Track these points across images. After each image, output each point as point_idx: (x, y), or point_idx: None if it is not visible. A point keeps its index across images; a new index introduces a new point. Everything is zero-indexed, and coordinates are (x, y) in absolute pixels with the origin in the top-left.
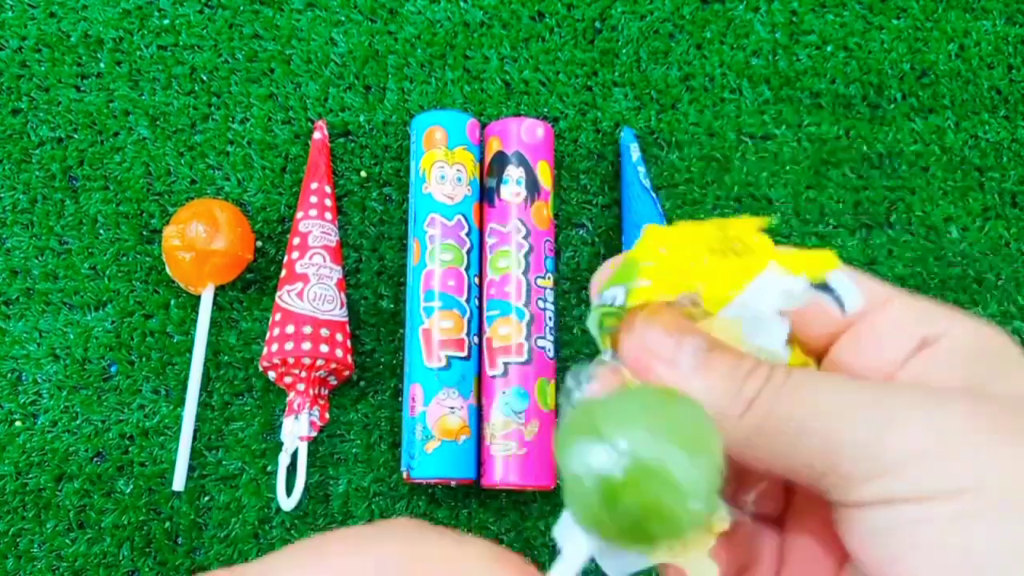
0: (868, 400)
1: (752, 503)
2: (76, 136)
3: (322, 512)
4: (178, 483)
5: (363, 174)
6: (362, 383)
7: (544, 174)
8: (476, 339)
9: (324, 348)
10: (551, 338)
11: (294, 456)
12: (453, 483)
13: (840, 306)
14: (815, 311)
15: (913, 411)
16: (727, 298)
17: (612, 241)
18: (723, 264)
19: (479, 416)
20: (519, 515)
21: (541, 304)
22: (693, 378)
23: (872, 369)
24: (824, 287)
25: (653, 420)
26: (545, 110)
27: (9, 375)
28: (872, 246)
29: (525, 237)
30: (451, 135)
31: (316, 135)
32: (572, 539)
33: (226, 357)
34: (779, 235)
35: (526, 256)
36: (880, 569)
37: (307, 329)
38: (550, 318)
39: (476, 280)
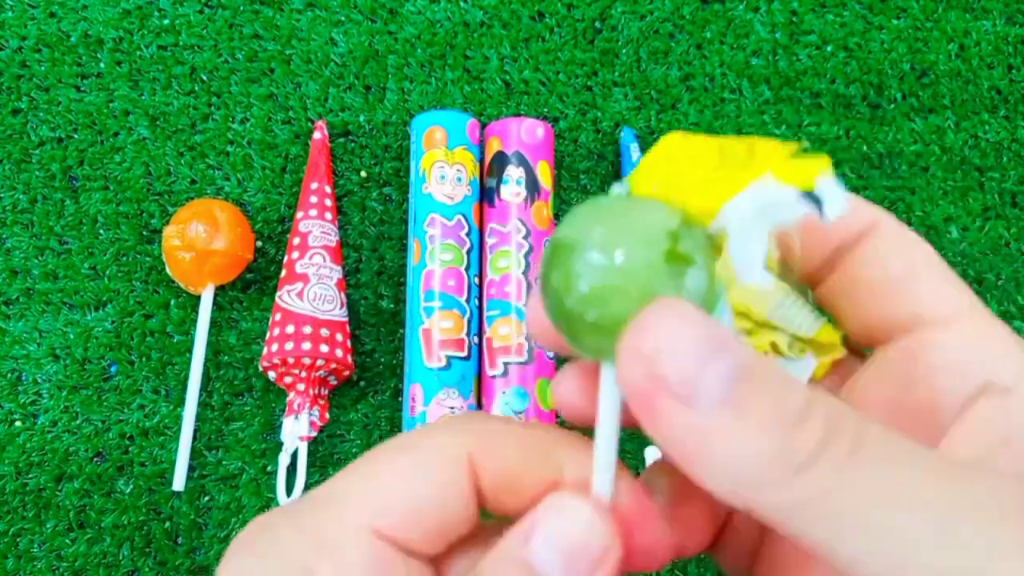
0: (962, 513)
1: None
2: (76, 136)
3: None
4: (178, 483)
5: (363, 174)
6: (362, 383)
7: (544, 174)
8: (476, 339)
9: (324, 348)
10: None
11: (294, 456)
12: None
13: (821, 213)
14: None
15: (1005, 558)
16: (715, 210)
17: None
18: (716, 176)
19: None
20: None
21: None
22: (717, 426)
23: (925, 406)
24: (813, 197)
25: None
26: (545, 110)
27: (9, 375)
28: None
29: (525, 237)
30: (451, 135)
31: (316, 135)
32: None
33: (226, 357)
34: None
35: (526, 256)
36: None
37: (307, 329)
38: None
39: (476, 280)
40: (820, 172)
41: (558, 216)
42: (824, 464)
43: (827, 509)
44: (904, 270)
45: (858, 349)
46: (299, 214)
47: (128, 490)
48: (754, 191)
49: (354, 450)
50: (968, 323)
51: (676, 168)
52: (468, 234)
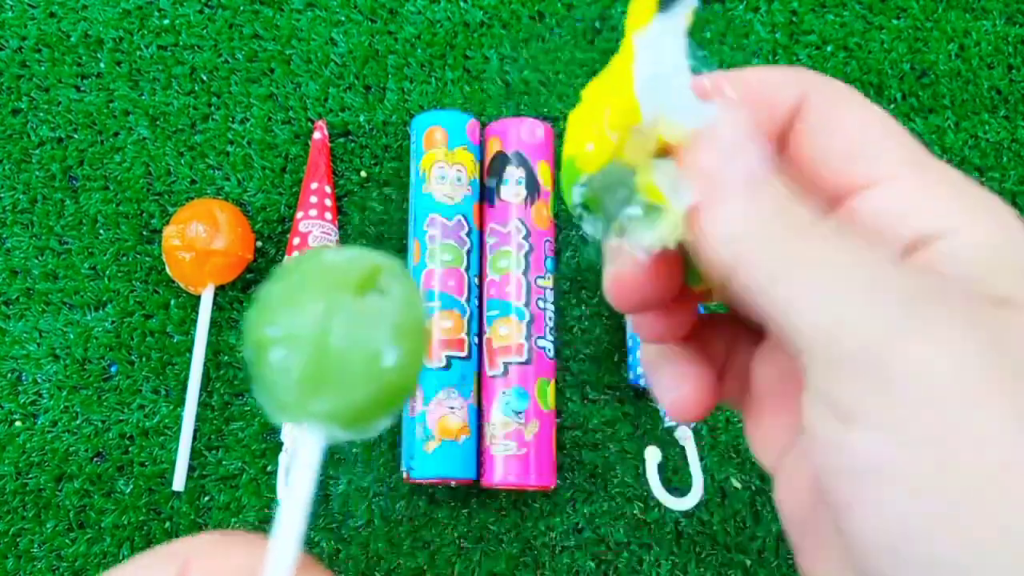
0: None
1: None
2: (76, 136)
3: (322, 512)
4: (178, 483)
5: (363, 174)
6: None
7: (544, 174)
8: (476, 339)
9: None
10: (551, 338)
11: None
12: (453, 483)
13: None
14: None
15: (910, 334)
16: (631, 100)
17: None
18: (613, 75)
19: (479, 416)
20: (519, 515)
21: (541, 304)
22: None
23: None
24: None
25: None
26: (545, 110)
27: (9, 375)
28: None
29: (525, 237)
30: (451, 135)
31: (316, 135)
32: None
33: (226, 357)
34: None
35: (526, 256)
36: (831, 483)
37: None
38: (550, 318)
39: (476, 280)
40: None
41: (558, 216)
42: (806, 240)
43: (775, 260)
44: (843, 134)
45: None
46: (299, 214)
47: (128, 490)
48: (636, 53)
49: (354, 450)
50: (908, 180)
51: (591, 132)
52: (468, 234)
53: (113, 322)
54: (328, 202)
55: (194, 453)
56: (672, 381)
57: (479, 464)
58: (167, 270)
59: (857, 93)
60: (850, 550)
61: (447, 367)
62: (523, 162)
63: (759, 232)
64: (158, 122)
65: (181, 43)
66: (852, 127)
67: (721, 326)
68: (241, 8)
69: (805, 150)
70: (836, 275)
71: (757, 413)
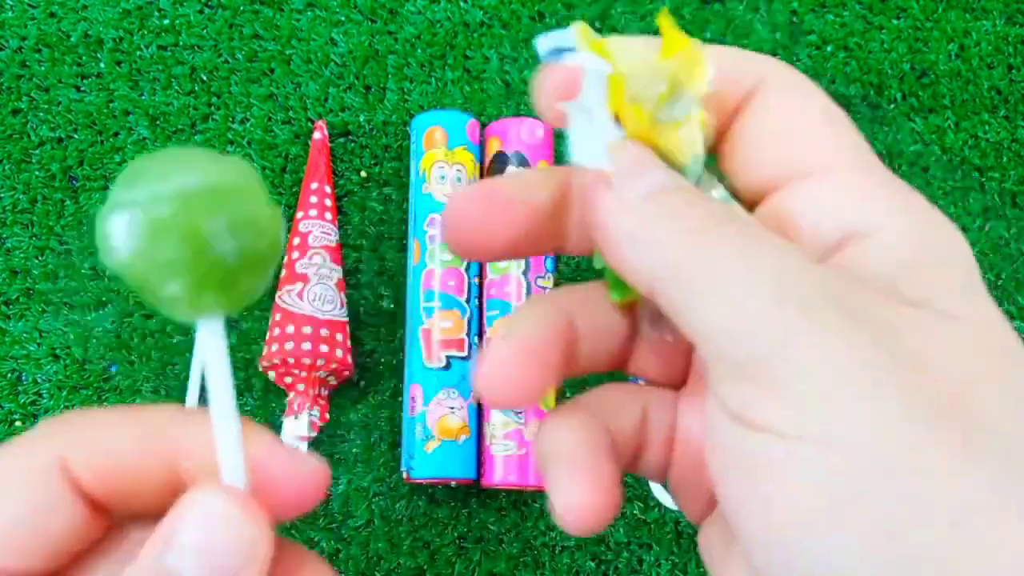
0: (769, 299)
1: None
2: (76, 136)
3: (322, 512)
4: None
5: (363, 174)
6: (362, 383)
7: None
8: (476, 339)
9: (324, 348)
10: None
11: None
12: (453, 483)
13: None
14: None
15: (803, 336)
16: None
17: None
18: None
19: (479, 416)
20: (519, 515)
21: None
22: (629, 211)
23: None
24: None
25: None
26: None
27: (9, 375)
28: None
29: None
30: (451, 135)
31: (316, 135)
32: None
33: None
34: None
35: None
36: (726, 479)
37: (307, 329)
38: None
39: (476, 280)
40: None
41: None
42: (704, 237)
43: (683, 271)
44: (784, 126)
45: None
46: (299, 214)
47: None
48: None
49: (354, 450)
50: (842, 174)
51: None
52: None
53: (113, 322)
54: (328, 202)
55: None
56: (570, 483)
57: (479, 464)
58: None
59: (811, 84)
60: (744, 553)
61: (447, 367)
62: (523, 162)
63: (658, 230)
64: (158, 122)
65: (181, 43)
66: (793, 116)
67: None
68: (241, 8)
69: (742, 137)
70: (736, 277)
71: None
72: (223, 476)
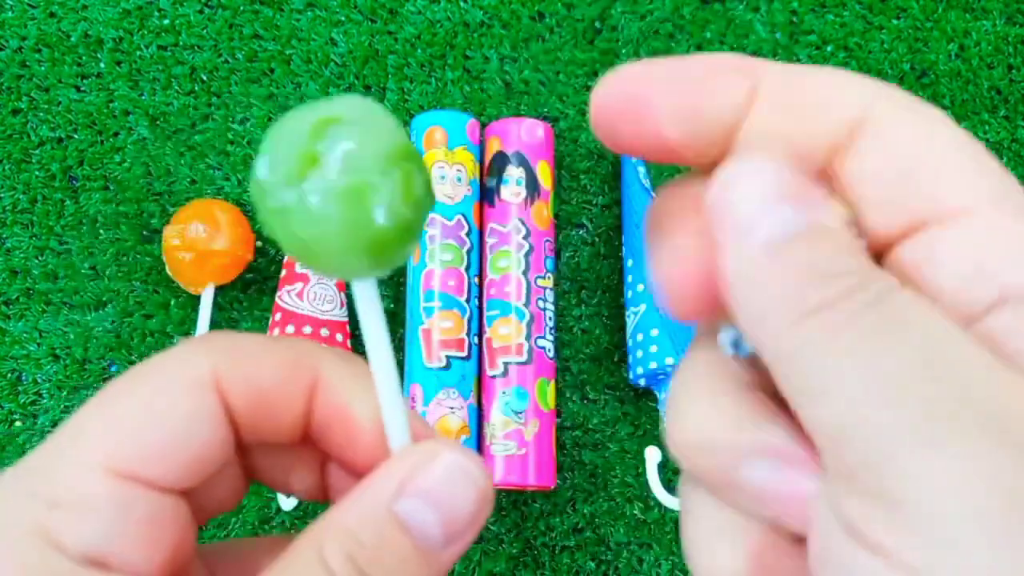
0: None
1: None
2: (76, 136)
3: (322, 512)
4: None
5: None
6: None
7: (544, 174)
8: (476, 339)
9: None
10: (551, 338)
11: None
12: None
13: None
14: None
15: (940, 455)
16: None
17: (612, 241)
18: None
19: (479, 416)
20: (519, 515)
21: (541, 304)
22: (757, 263)
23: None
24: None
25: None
26: (545, 110)
27: (9, 375)
28: None
29: (525, 237)
30: (451, 135)
31: None
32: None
33: None
34: None
35: (526, 256)
36: None
37: (307, 329)
38: (550, 318)
39: (476, 280)
40: None
41: (558, 216)
42: (822, 320)
43: (807, 362)
44: (907, 162)
45: None
46: None
47: None
48: None
49: None
50: (987, 218)
51: None
52: (468, 234)
53: (113, 322)
54: None
55: None
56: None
57: None
58: (167, 270)
59: (930, 107)
60: None
61: (447, 367)
62: (523, 162)
63: (770, 299)
64: (158, 122)
65: (181, 43)
66: (916, 147)
67: None
68: (241, 8)
69: (854, 177)
70: (855, 362)
71: None
72: (388, 432)
